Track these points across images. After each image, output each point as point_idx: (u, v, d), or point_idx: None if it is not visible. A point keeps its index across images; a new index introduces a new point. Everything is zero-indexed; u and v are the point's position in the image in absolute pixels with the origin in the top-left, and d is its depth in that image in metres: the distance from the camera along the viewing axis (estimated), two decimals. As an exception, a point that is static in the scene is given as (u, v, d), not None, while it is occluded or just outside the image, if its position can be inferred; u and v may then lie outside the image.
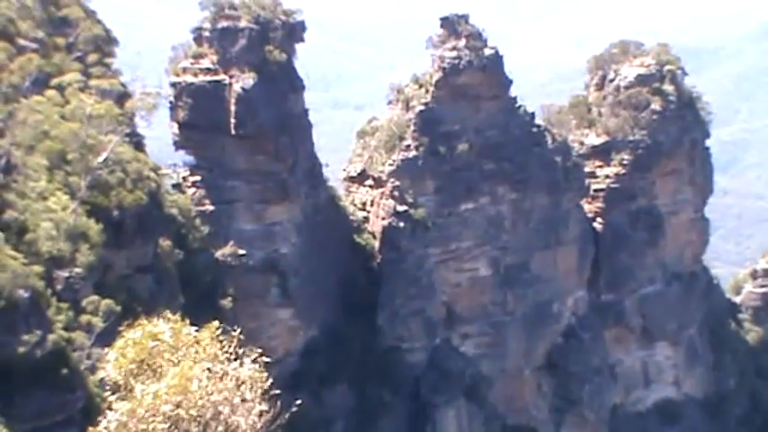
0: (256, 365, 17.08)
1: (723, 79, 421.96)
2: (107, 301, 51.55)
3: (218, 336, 17.02)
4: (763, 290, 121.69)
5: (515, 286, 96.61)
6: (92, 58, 69.09)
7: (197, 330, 17.08)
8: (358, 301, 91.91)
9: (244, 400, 16.25)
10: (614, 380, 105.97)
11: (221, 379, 16.18)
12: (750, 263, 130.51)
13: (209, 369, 16.14)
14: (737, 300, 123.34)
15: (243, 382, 16.56)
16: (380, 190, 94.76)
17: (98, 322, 49.28)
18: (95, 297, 51.57)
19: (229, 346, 16.99)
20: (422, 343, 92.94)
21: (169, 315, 17.07)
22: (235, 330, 17.61)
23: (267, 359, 17.62)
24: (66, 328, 48.00)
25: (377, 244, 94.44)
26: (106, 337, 42.32)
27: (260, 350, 17.66)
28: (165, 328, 16.45)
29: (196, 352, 16.33)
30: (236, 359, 16.99)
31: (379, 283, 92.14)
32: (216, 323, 17.39)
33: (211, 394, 15.77)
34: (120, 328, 16.60)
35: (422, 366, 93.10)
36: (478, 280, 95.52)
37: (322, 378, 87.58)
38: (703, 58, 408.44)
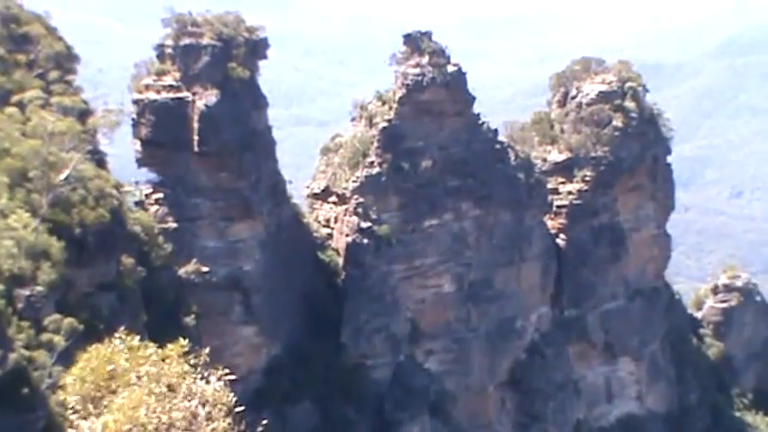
0: (221, 384, 16.94)
1: (684, 96, 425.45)
2: (69, 320, 51.10)
3: (184, 353, 16.87)
4: (724, 305, 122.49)
5: (479, 302, 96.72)
6: (53, 75, 68.71)
7: (160, 347, 16.91)
8: (322, 317, 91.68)
9: (209, 419, 16.12)
10: (577, 395, 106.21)
11: (185, 398, 16.02)
12: (711, 278, 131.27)
13: (169, 387, 15.95)
14: (699, 315, 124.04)
15: (207, 401, 16.41)
16: (344, 207, 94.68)
17: (60, 341, 48.83)
18: (57, 315, 51.12)
19: (196, 364, 16.85)
20: (386, 360, 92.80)
21: (122, 336, 16.82)
22: (200, 348, 17.47)
23: (232, 377, 17.49)
24: (27, 347, 47.53)
25: (341, 261, 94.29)
26: (68, 356, 41.97)
27: (225, 368, 17.51)
28: (121, 348, 16.23)
29: (158, 374, 16.15)
30: (201, 377, 16.83)
31: (343, 299, 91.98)
32: (182, 340, 17.23)
33: (171, 412, 15.60)
34: (81, 351, 16.39)
35: (386, 383, 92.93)
36: (442, 296, 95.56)
37: (286, 396, 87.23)
38: (664, 74, 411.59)
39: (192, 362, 17.15)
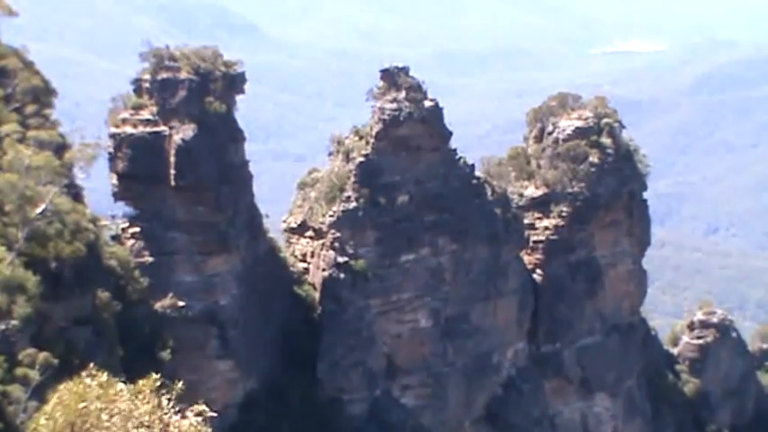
0: (199, 419, 16.93)
1: (660, 132, 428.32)
2: (44, 354, 50.98)
3: (157, 388, 16.84)
4: (700, 341, 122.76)
5: (455, 337, 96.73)
6: (30, 108, 68.74)
7: (134, 382, 16.88)
8: (298, 352, 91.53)
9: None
10: (554, 431, 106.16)
11: (161, 432, 16.01)
12: (687, 314, 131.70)
13: (142, 424, 15.91)
14: (675, 351, 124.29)
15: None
16: (321, 241, 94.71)
17: (35, 375, 48.70)
18: (32, 350, 51.00)
19: (169, 399, 16.82)
20: (362, 394, 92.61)
21: (93, 372, 16.73)
22: (176, 383, 17.46)
23: (209, 412, 17.49)
24: (1, 382, 47.39)
25: (317, 295, 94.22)
26: (43, 390, 41.85)
27: (203, 403, 17.50)
28: (93, 385, 16.14)
29: (130, 409, 16.10)
30: (177, 412, 16.81)
31: (320, 334, 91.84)
32: (155, 375, 17.19)
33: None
34: (56, 386, 16.33)
35: (362, 418, 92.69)
36: (419, 331, 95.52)
37: (262, 430, 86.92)
38: (640, 111, 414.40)
39: (165, 397, 17.12)
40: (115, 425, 15.63)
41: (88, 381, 16.36)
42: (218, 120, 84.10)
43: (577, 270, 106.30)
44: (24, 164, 57.21)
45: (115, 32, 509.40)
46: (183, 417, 16.57)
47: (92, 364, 17.60)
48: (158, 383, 17.39)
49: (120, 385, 16.55)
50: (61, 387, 16.16)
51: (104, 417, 15.92)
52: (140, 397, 16.47)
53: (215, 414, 16.57)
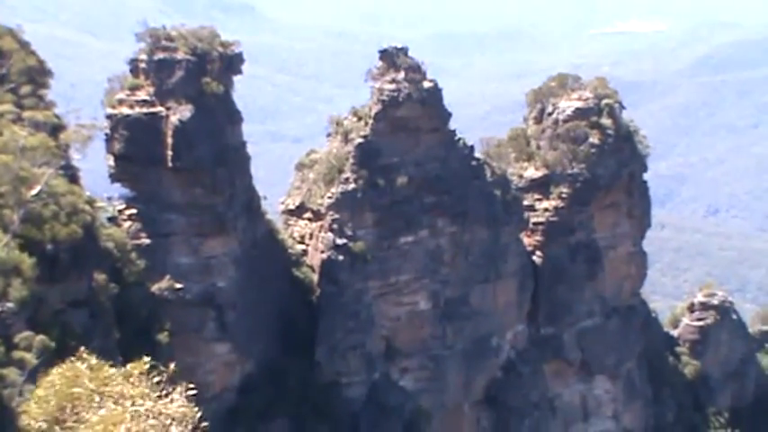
0: (186, 401, 16.75)
1: (660, 113, 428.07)
2: (40, 337, 50.79)
3: (148, 372, 16.68)
4: (700, 323, 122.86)
5: (455, 320, 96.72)
6: (25, 89, 68.39)
7: (125, 365, 16.72)
8: (296, 335, 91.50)
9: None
10: (553, 414, 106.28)
11: (150, 417, 15.86)
12: (687, 296, 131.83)
13: (136, 408, 15.76)
14: (675, 333, 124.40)
15: (173, 420, 16.23)
16: (319, 223, 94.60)
17: (31, 359, 48.51)
18: (28, 333, 50.80)
19: (160, 383, 16.65)
20: (361, 377, 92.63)
21: (84, 356, 16.59)
22: (167, 366, 17.27)
23: (196, 394, 17.28)
24: (-3, 365, 47.22)
25: (315, 277, 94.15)
26: (39, 374, 41.70)
27: (191, 385, 17.29)
28: (83, 370, 16.00)
29: (121, 393, 15.96)
30: (166, 395, 16.64)
31: (318, 316, 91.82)
32: (146, 359, 17.03)
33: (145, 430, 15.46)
34: (53, 369, 16.19)
35: (361, 401, 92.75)
36: (418, 313, 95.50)
37: (260, 414, 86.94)
38: (641, 92, 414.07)
39: (156, 379, 16.97)
40: (107, 408, 15.47)
41: (79, 364, 16.20)
42: (216, 101, 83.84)
43: (577, 252, 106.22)
44: (19, 145, 56.89)
45: (111, 12, 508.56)
46: (171, 401, 16.39)
47: (83, 348, 17.44)
48: (150, 366, 17.23)
49: (112, 369, 16.39)
50: (53, 371, 16.02)
51: (96, 399, 15.76)
52: (131, 380, 16.31)
53: (206, 395, 16.41)
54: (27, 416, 15.68)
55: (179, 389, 16.53)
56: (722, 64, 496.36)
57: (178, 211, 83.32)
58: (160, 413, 15.98)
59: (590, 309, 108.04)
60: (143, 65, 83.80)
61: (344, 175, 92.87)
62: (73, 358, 16.67)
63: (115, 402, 15.77)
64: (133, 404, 15.76)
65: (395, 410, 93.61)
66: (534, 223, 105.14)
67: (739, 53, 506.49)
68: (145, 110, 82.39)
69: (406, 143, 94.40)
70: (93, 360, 16.33)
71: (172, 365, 16.60)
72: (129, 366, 16.37)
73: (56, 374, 15.78)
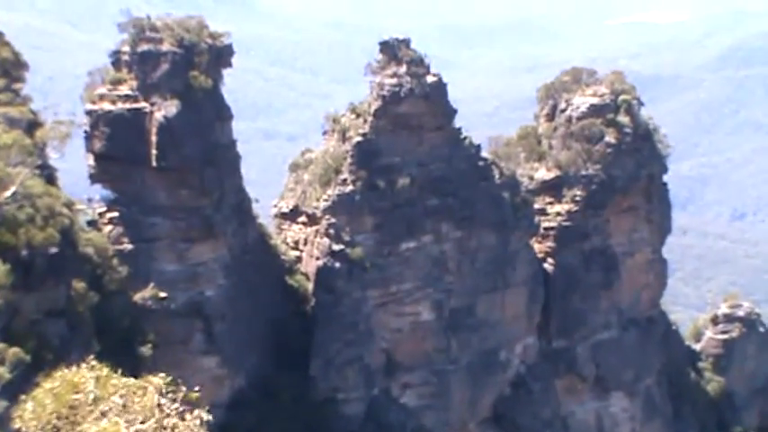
0: (198, 422, 16.94)
1: (682, 110, 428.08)
2: (14, 350, 50.94)
3: (165, 387, 16.82)
4: (725, 336, 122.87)
5: (460, 332, 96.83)
6: (-1, 83, 68.64)
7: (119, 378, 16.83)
8: (290, 348, 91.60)
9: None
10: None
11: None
12: (710, 307, 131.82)
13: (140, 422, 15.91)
14: (697, 347, 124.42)
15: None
16: (314, 228, 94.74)
17: (4, 372, 48.65)
18: (1, 345, 50.96)
19: (174, 400, 16.80)
20: (359, 393, 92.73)
21: (93, 363, 16.82)
22: (178, 385, 17.39)
23: (206, 416, 17.43)
24: (-32, 379, 47.34)
25: (310, 286, 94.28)
26: (13, 389, 41.81)
27: (204, 412, 17.40)
28: (88, 377, 16.19)
29: (124, 405, 16.11)
30: (177, 413, 16.78)
31: (313, 328, 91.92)
32: (163, 375, 17.16)
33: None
34: (36, 379, 16.33)
35: (359, 419, 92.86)
36: (420, 325, 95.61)
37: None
38: (661, 87, 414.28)
39: (169, 397, 17.13)
40: (109, 422, 15.63)
41: (85, 371, 16.39)
42: (204, 96, 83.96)
43: (592, 259, 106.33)
44: (-7, 143, 57.08)
45: (92, 1, 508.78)
46: (182, 419, 16.56)
47: (81, 359, 17.64)
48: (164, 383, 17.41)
49: (120, 379, 16.57)
50: (57, 375, 16.20)
51: (102, 407, 15.92)
52: (139, 393, 16.47)
53: (210, 417, 16.59)
54: (20, 420, 15.84)
55: (193, 413, 16.71)
56: (749, 57, 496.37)
57: (163, 214, 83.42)
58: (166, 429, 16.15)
59: (606, 320, 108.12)
60: (126, 57, 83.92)
61: (342, 176, 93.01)
62: (82, 365, 16.87)
63: (117, 415, 15.94)
64: (136, 420, 15.93)
65: (395, 429, 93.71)
66: (545, 228, 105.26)
67: (767, 45, 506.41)
68: (127, 105, 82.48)
69: (409, 142, 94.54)
70: (104, 370, 16.51)
71: (161, 377, 16.71)
72: (142, 380, 16.52)
73: (57, 378, 15.95)
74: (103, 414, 15.83)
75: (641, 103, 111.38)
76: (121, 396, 16.18)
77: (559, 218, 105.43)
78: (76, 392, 15.93)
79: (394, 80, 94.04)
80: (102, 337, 67.55)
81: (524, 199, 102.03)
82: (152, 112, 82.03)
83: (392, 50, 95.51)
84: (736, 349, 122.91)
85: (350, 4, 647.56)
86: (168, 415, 16.38)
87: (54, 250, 59.68)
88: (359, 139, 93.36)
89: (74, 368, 16.54)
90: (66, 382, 16.03)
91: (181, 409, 16.83)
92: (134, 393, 16.41)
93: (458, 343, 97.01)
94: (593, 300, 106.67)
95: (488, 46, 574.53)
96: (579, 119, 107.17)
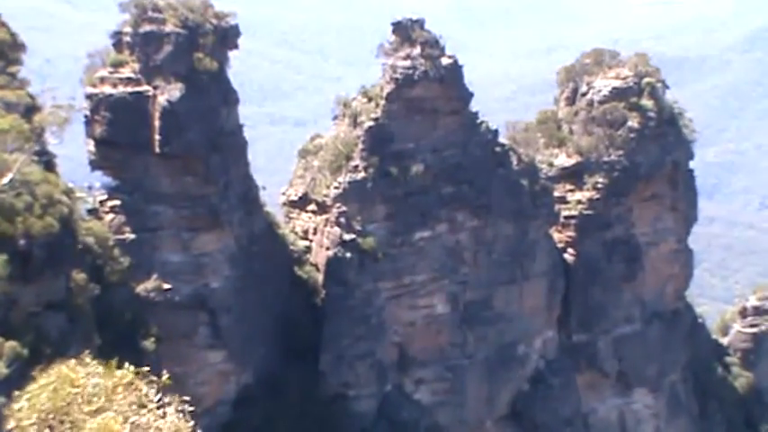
0: (181, 415, 16.92)
1: (708, 93, 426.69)
2: (11, 343, 51.11)
3: (142, 380, 16.83)
4: (754, 330, 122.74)
5: (476, 325, 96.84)
6: (-5, 65, 68.74)
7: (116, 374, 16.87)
8: (298, 342, 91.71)
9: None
10: (587, 431, 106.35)
11: (150, 430, 16.05)
12: (739, 299, 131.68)
13: (128, 420, 15.95)
14: (725, 341, 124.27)
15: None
16: (324, 216, 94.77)
17: (1, 367, 48.82)
18: (-1, 338, 51.14)
19: (156, 393, 16.82)
20: (371, 390, 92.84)
21: (87, 358, 16.84)
22: (160, 375, 17.43)
23: (192, 408, 17.44)
24: (-36, 374, 47.51)
25: (320, 277, 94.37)
26: (11, 384, 41.90)
27: (185, 398, 17.46)
28: (83, 373, 16.23)
29: (118, 399, 16.16)
30: (159, 408, 16.82)
31: (323, 321, 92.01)
32: (135, 366, 17.18)
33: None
34: (32, 373, 16.39)
35: (371, 416, 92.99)
36: (435, 318, 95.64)
37: (258, 430, 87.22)
38: (686, 69, 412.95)
39: (150, 391, 17.14)
40: (104, 418, 15.68)
41: (77, 367, 16.42)
42: (209, 79, 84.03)
43: (614, 249, 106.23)
44: (-11, 128, 57.20)
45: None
46: (164, 414, 16.58)
47: (81, 354, 17.69)
48: (142, 375, 17.40)
49: (120, 373, 16.59)
50: (52, 369, 16.25)
51: (92, 407, 15.96)
52: (119, 390, 16.50)
53: (198, 409, 16.57)
54: (14, 418, 15.89)
55: (173, 402, 16.70)
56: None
57: (166, 202, 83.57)
58: (157, 428, 16.19)
59: (628, 313, 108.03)
60: (127, 38, 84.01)
61: (353, 163, 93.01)
62: (78, 359, 16.91)
63: (115, 411, 15.99)
64: (137, 414, 15.98)
65: (409, 427, 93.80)
66: (566, 217, 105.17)
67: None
68: (129, 89, 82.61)
69: (422, 127, 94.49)
70: (96, 367, 16.54)
71: (166, 376, 16.73)
72: (123, 372, 16.54)
73: (54, 372, 16.00)
74: (97, 410, 15.88)
75: (666, 86, 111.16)
76: (113, 391, 16.24)
77: (580, 206, 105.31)
78: (74, 387, 15.98)
79: (407, 62, 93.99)
80: (102, 330, 67.76)
81: (543, 187, 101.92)
82: (155, 96, 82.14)
83: (405, 31, 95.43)
84: (766, 343, 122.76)
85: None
86: (151, 410, 16.41)
87: (53, 240, 59.83)
88: (371, 123, 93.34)
89: (70, 362, 16.57)
90: (63, 378, 16.08)
91: (162, 401, 16.83)
92: (114, 390, 16.45)
93: (474, 337, 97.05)
94: (615, 292, 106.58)
95: (506, 26, 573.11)
96: (601, 103, 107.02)
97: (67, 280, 64.07)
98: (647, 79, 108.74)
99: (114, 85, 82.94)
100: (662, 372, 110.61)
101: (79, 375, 16.19)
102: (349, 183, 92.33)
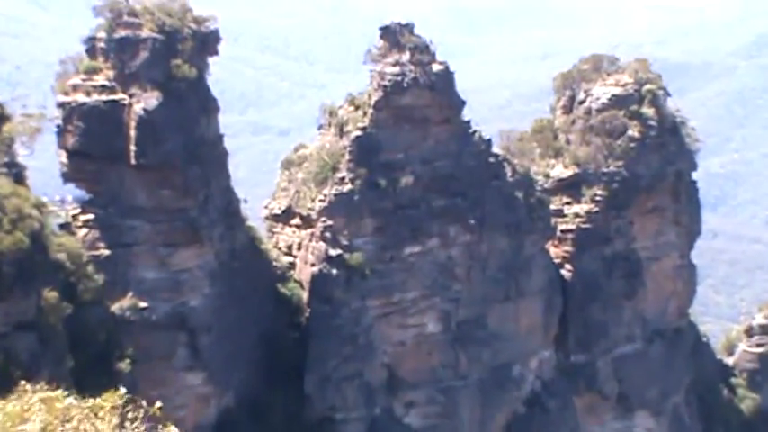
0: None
1: (712, 101, 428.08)
2: (-21, 365, 50.95)
3: (123, 406, 16.74)
4: (761, 349, 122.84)
5: (469, 345, 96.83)
6: (-37, 72, 68.73)
7: (85, 399, 16.74)
8: (282, 363, 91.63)
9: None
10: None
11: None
12: (745, 317, 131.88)
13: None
14: (730, 361, 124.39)
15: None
16: (309, 231, 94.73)
17: (-32, 390, 48.60)
18: (-35, 360, 50.98)
19: (135, 418, 16.73)
20: (359, 413, 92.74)
21: (40, 387, 16.62)
22: (141, 399, 17.36)
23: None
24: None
25: (305, 295, 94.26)
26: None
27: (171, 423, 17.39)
28: (35, 402, 16.03)
29: (86, 430, 15.99)
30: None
31: (308, 341, 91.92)
32: (119, 390, 17.09)
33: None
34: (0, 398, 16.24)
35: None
36: (426, 337, 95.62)
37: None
38: (689, 75, 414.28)
39: (130, 416, 17.05)
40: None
41: (29, 397, 16.21)
42: (187, 87, 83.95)
43: (614, 265, 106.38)
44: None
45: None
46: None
47: (29, 378, 17.51)
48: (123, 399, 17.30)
49: (68, 401, 16.40)
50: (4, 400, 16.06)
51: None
52: (100, 415, 16.36)
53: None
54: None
55: (164, 427, 16.63)
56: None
57: (143, 216, 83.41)
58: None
59: (629, 332, 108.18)
60: (102, 44, 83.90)
61: (339, 175, 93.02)
62: (24, 387, 16.67)
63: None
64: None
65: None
66: (563, 231, 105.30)
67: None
68: (104, 97, 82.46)
69: (412, 136, 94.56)
70: (49, 393, 16.34)
71: (157, 406, 16.65)
72: (99, 399, 16.38)
73: (2, 408, 15.79)
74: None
75: (668, 94, 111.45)
76: (79, 420, 16.04)
77: (578, 219, 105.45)
78: (24, 422, 15.77)
79: (396, 69, 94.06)
80: (75, 351, 67.59)
81: (539, 199, 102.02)
82: (130, 105, 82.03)
83: (394, 36, 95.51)
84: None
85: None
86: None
87: (23, 256, 59.68)
88: (358, 133, 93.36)
89: (20, 393, 16.37)
90: (13, 414, 15.85)
91: (146, 427, 16.74)
92: (95, 416, 16.29)
93: (467, 357, 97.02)
94: (615, 309, 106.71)
95: (500, 31, 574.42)
96: (599, 111, 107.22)
97: (38, 298, 63.91)
98: (647, 86, 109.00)
99: (88, 93, 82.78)
100: (664, 393, 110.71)
101: (31, 408, 16.01)
102: (335, 195, 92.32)
